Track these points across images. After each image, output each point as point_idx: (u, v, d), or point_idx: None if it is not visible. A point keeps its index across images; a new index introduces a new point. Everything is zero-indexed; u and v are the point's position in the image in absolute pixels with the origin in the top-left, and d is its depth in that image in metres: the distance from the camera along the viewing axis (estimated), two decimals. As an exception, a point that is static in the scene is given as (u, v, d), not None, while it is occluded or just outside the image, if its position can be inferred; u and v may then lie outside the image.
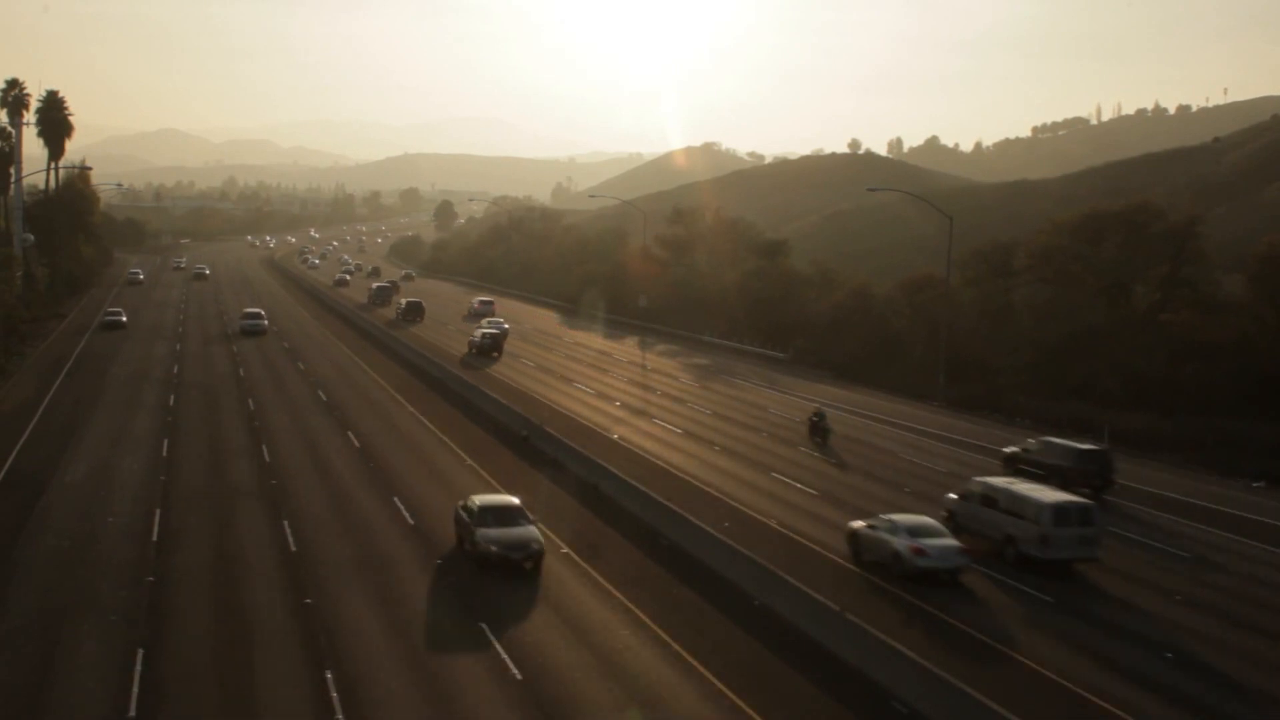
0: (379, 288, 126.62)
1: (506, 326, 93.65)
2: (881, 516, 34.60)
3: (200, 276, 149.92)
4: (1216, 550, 38.39)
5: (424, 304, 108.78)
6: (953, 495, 38.54)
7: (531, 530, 32.86)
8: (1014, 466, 46.49)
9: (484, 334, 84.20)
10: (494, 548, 31.80)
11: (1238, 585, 34.56)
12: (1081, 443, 46.64)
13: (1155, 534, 40.05)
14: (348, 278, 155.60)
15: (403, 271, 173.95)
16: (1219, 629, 30.29)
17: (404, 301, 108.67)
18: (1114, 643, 28.92)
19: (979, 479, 38.02)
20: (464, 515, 33.91)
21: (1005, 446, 50.00)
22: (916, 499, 42.56)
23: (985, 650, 27.76)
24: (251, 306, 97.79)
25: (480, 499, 34.43)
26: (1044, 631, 29.40)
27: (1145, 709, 24.69)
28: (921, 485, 45.41)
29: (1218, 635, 29.78)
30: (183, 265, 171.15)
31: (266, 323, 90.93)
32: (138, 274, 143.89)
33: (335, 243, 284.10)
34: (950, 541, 32.93)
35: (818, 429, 54.54)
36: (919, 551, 32.07)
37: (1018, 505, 34.81)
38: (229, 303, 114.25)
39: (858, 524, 34.96)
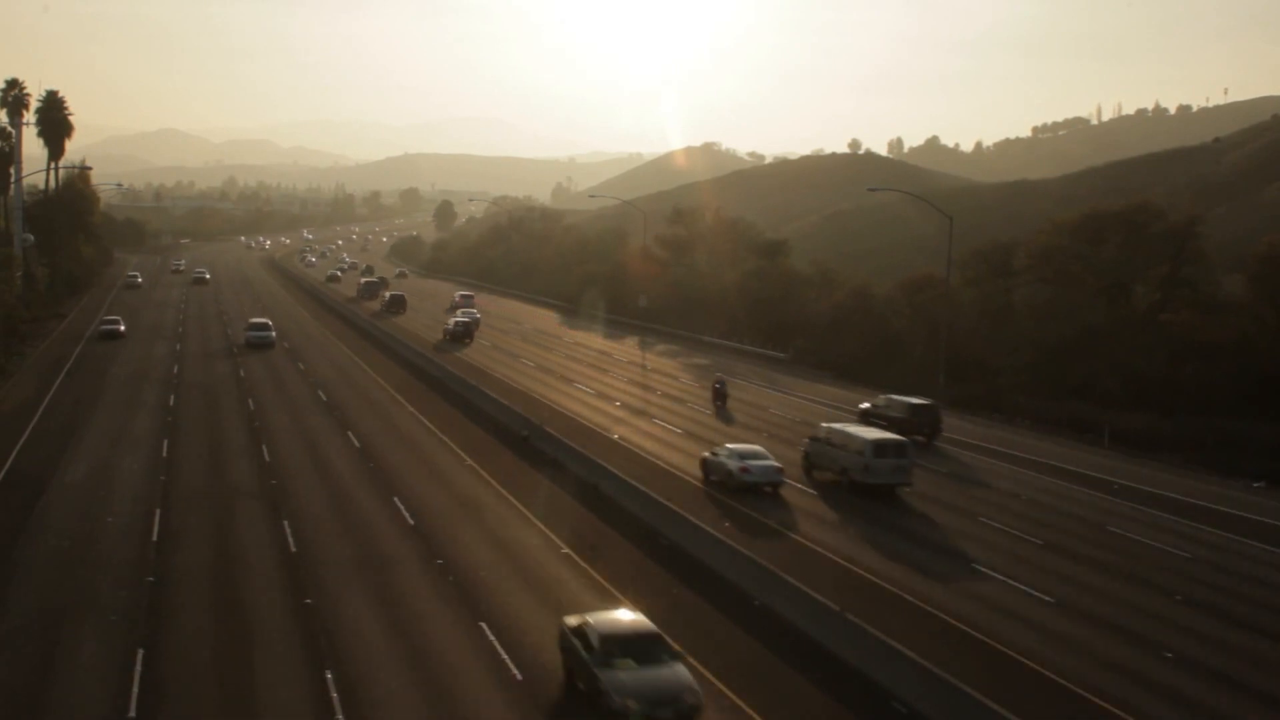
0: (367, 283, 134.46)
1: (478, 316, 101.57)
2: (723, 445, 44.24)
3: (200, 281, 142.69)
4: (1214, 549, 38.40)
5: (406, 297, 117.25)
6: (807, 439, 47.09)
7: (681, 673, 23.34)
8: (866, 418, 54.96)
9: (456, 322, 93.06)
10: (632, 703, 22.23)
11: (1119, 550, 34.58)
12: (915, 399, 56.38)
13: (1152, 531, 40.08)
14: (339, 274, 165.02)
15: (397, 270, 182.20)
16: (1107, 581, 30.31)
17: (388, 295, 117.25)
18: (884, 535, 37.84)
19: (824, 425, 47.03)
20: (574, 642, 24.25)
21: (861, 403, 59.47)
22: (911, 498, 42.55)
23: (774, 533, 37.34)
24: (257, 317, 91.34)
25: (598, 622, 24.33)
26: (823, 525, 38.90)
27: (888, 574, 32.80)
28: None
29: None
30: (182, 268, 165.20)
31: (274, 335, 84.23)
32: (136, 277, 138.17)
33: (340, 241, 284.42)
34: (770, 463, 42.44)
35: (719, 395, 64.49)
36: (745, 470, 41.80)
37: (848, 443, 43.44)
38: (231, 308, 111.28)
39: (706, 453, 44.45)
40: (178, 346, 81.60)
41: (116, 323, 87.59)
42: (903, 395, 57.11)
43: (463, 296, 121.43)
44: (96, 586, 29.79)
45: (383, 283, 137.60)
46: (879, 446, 42.44)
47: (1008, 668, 26.69)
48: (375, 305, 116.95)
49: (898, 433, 46.84)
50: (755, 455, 42.74)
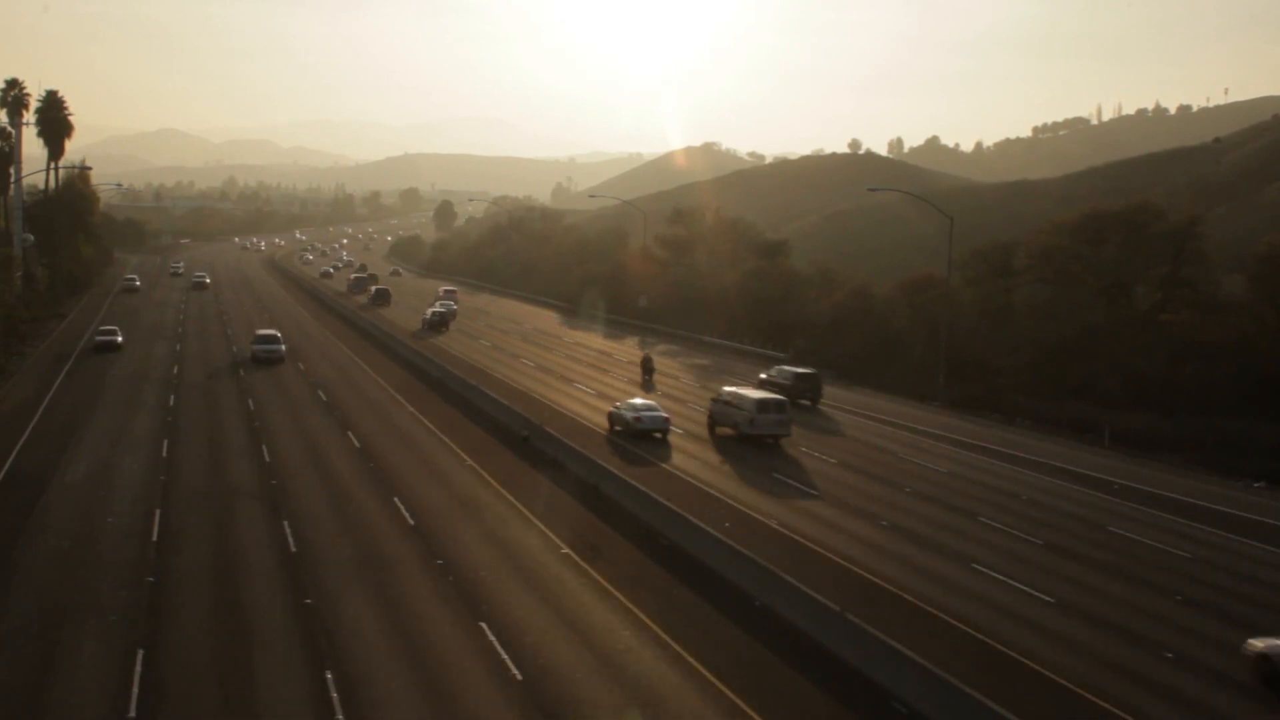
0: (356, 278, 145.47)
1: (454, 307, 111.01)
2: (625, 401, 55.20)
3: (200, 285, 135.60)
4: (1212, 548, 38.40)
5: (390, 291, 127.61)
6: (710, 400, 56.95)
7: None
8: (763, 385, 63.81)
9: (433, 311, 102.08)
10: None
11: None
12: (801, 369, 67.23)
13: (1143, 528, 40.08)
14: (332, 271, 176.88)
15: (391, 269, 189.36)
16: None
17: (374, 289, 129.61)
18: (740, 468, 47.39)
19: (724, 389, 56.42)
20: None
21: (760, 374, 68.45)
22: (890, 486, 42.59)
23: (647, 463, 46.64)
24: (265, 328, 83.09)
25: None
26: (692, 459, 48.47)
27: (745, 499, 41.83)
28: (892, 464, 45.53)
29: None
30: (180, 270, 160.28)
31: (284, 348, 75.67)
32: (134, 280, 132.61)
33: (344, 240, 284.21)
34: (660, 414, 52.56)
35: (646, 368, 73.26)
36: (639, 419, 51.79)
37: (739, 402, 53.01)
38: (232, 313, 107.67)
39: (610, 407, 55.27)
40: (178, 347, 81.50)
41: (113, 333, 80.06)
42: (794, 367, 68.22)
43: (446, 291, 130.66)
44: (96, 586, 29.78)
45: (372, 278, 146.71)
46: (762, 405, 52.00)
47: (655, 470, 26.78)
48: (363, 299, 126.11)
49: (786, 396, 56.76)
50: (648, 408, 53.10)
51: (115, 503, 38.22)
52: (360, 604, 29.07)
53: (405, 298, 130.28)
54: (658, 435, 52.02)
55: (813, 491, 43.94)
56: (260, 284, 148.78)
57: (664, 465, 46.67)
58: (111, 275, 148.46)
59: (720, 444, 52.30)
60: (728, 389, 55.87)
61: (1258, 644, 27.22)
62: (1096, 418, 60.98)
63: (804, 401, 63.24)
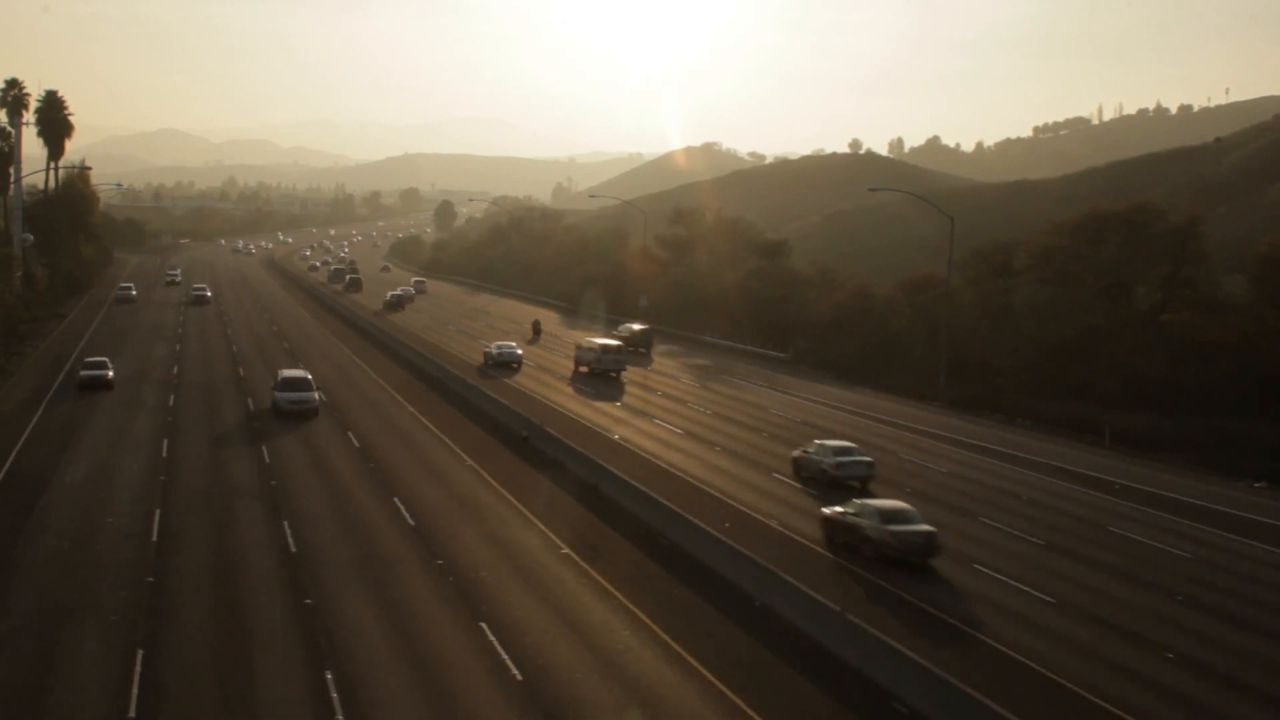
0: (335, 270, 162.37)
1: (413, 291, 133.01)
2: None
3: (200, 300, 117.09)
4: (1214, 549, 38.38)
5: (363, 280, 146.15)
6: (580, 349, 75.69)
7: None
8: (617, 336, 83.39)
9: (391, 294, 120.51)
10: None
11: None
12: (638, 325, 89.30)
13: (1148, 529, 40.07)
14: (319, 265, 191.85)
15: (381, 265, 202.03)
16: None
17: (348, 278, 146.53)
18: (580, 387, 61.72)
19: (584, 339, 77.67)
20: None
21: (616, 328, 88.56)
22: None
23: (499, 380, 64.09)
24: (291, 369, 62.09)
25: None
26: (547, 383, 63.45)
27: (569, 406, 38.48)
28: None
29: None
30: (176, 278, 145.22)
31: (317, 396, 56.47)
32: (129, 290, 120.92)
33: (348, 241, 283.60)
34: (515, 351, 77.74)
35: (536, 330, 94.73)
36: (500, 352, 76.50)
37: (592, 348, 74.12)
38: (241, 336, 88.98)
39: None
40: (177, 347, 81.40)
41: (102, 369, 62.52)
42: (635, 325, 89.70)
43: (416, 282, 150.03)
44: (96, 586, 29.77)
45: (350, 269, 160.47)
46: (604, 349, 73.60)
47: (1008, 667, 26.67)
48: (340, 286, 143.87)
49: (626, 345, 79.91)
50: (507, 347, 77.36)
51: (115, 503, 38.22)
52: (360, 604, 29.06)
53: (386, 289, 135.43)
54: (514, 366, 75.48)
55: (812, 492, 43.91)
56: (259, 283, 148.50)
57: (508, 381, 69.31)
58: (111, 275, 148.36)
59: (579, 377, 72.75)
60: (586, 340, 77.51)
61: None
62: (1097, 418, 60.94)
63: (641, 350, 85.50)
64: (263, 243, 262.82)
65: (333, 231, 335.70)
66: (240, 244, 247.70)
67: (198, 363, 73.62)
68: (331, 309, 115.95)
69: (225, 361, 74.48)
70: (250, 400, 59.23)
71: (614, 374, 72.28)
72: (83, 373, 62.14)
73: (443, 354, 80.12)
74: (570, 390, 67.82)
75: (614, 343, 75.96)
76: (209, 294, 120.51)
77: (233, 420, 54.12)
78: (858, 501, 36.18)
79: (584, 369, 73.53)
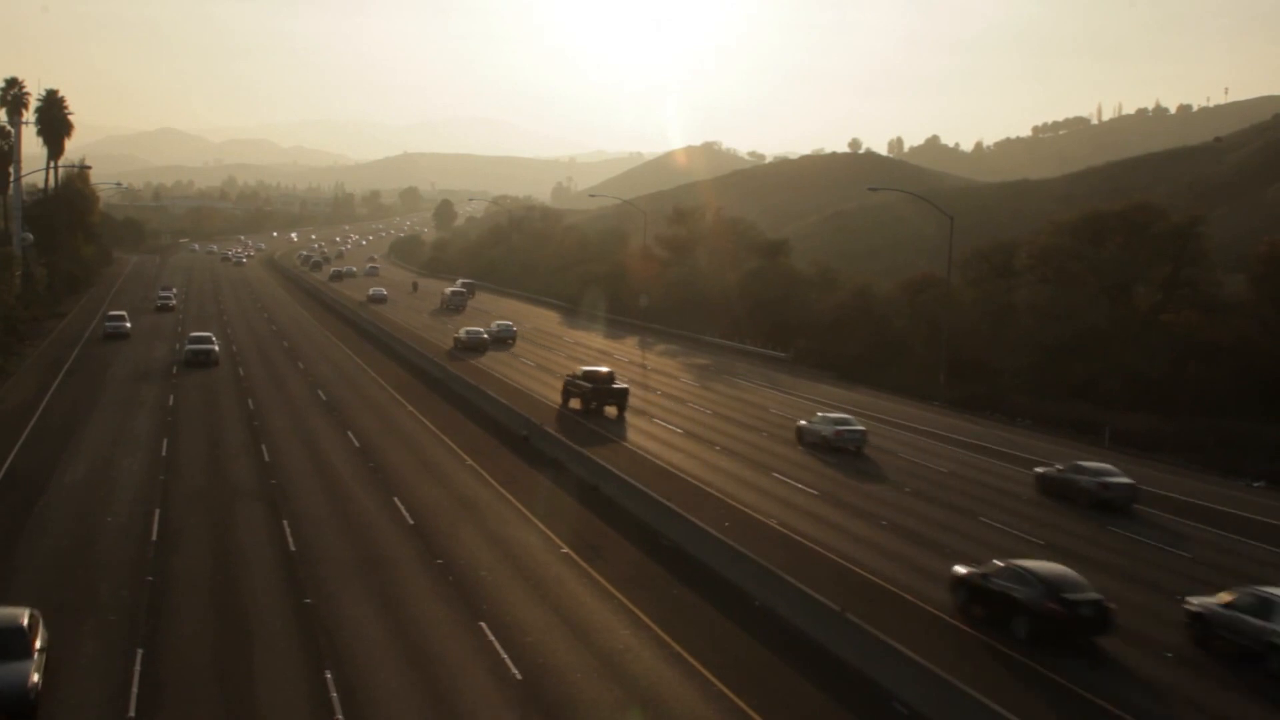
0: (313, 261, 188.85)
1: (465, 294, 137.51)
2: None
3: (201, 357, 71.59)
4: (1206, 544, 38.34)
5: (343, 272, 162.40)
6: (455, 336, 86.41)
7: None
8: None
9: (374, 290, 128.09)
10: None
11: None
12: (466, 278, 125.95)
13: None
14: (312, 259, 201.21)
15: (368, 262, 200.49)
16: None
17: (332, 270, 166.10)
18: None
19: (462, 328, 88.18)
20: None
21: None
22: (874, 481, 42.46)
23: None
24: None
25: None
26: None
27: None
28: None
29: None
30: (170, 302, 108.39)
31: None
32: (122, 323, 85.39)
33: (349, 241, 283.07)
34: (382, 291, 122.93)
35: (415, 287, 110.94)
36: (370, 296, 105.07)
37: (475, 331, 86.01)
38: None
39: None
40: (176, 346, 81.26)
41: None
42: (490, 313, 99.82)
43: (465, 283, 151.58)
44: (96, 586, 29.73)
45: (325, 260, 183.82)
46: (469, 333, 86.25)
47: (1009, 668, 26.62)
48: (322, 276, 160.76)
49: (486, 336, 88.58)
50: (377, 291, 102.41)
51: (115, 502, 38.16)
52: (360, 603, 29.02)
53: (421, 301, 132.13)
54: (481, 350, 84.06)
55: (812, 492, 43.89)
56: (267, 291, 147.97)
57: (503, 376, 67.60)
58: (110, 274, 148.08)
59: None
60: (464, 329, 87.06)
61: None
62: (1097, 418, 60.95)
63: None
64: (251, 250, 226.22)
65: (349, 230, 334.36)
66: (233, 251, 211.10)
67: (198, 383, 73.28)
68: (315, 296, 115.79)
69: (224, 360, 73.77)
70: (250, 400, 59.16)
71: (477, 354, 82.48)
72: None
73: (441, 353, 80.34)
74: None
75: (503, 324, 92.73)
76: (215, 348, 73.89)
77: (232, 419, 53.97)
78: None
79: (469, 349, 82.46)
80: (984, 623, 29.12)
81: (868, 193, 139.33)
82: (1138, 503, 43.29)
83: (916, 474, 48.12)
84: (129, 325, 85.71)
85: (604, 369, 60.95)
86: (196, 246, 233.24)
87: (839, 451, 50.93)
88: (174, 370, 69.35)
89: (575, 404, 59.06)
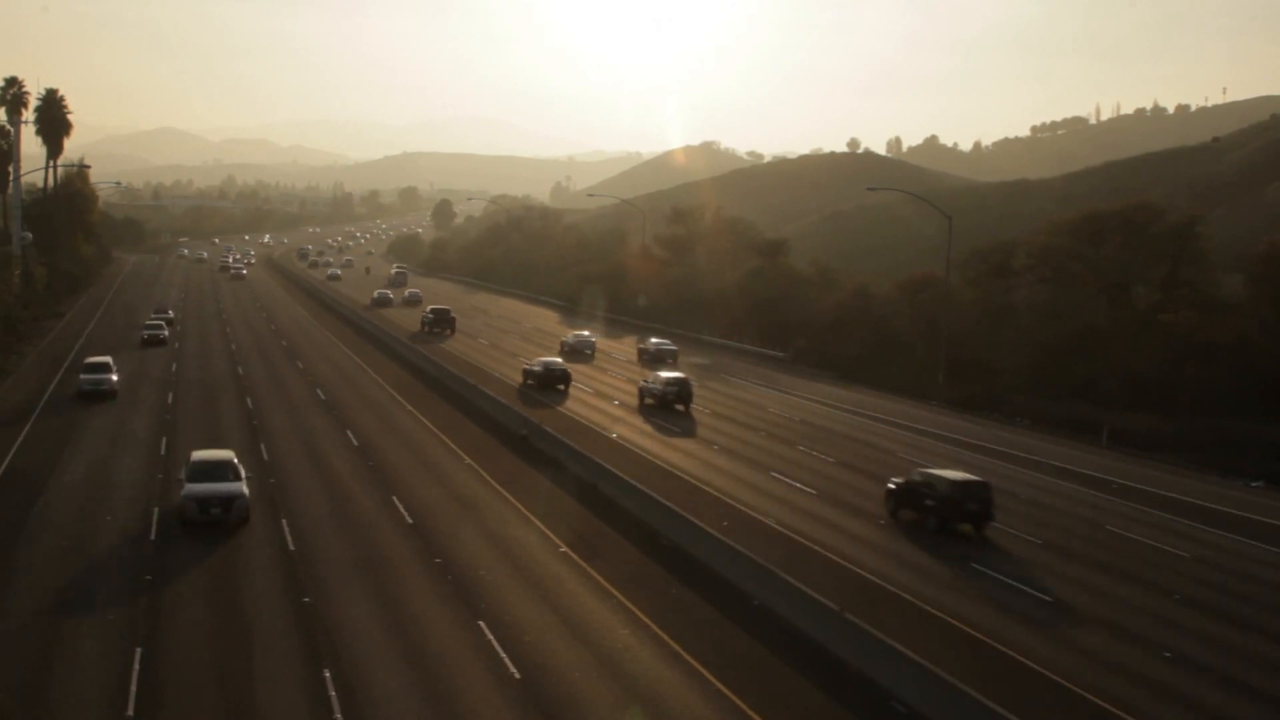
0: (301, 252, 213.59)
1: (339, 273, 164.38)
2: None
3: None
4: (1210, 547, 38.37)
5: (340, 274, 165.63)
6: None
7: None
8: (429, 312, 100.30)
9: (379, 292, 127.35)
10: None
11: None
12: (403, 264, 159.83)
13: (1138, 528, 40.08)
14: (311, 255, 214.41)
15: (344, 259, 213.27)
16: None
17: (329, 270, 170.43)
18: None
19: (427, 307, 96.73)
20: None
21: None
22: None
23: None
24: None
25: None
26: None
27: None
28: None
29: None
30: (162, 334, 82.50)
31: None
32: (107, 377, 59.14)
33: (352, 241, 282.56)
34: (336, 272, 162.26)
35: (368, 272, 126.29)
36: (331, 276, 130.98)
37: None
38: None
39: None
40: (176, 345, 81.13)
41: None
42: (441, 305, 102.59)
43: (339, 259, 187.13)
44: (95, 586, 29.75)
45: (309, 252, 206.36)
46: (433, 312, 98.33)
47: (1008, 667, 26.64)
48: (305, 265, 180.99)
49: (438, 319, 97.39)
50: (329, 262, 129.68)
51: (114, 502, 38.17)
52: (359, 602, 29.04)
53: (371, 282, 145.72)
54: (335, 277, 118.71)
55: (810, 491, 43.94)
56: (276, 301, 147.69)
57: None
58: (110, 273, 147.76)
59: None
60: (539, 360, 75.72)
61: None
62: (1096, 417, 60.95)
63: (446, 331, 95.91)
64: (237, 255, 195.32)
65: (357, 230, 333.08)
66: (231, 259, 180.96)
67: (196, 361, 73.23)
68: (311, 292, 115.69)
69: (224, 360, 73.87)
70: (249, 399, 59.17)
71: (440, 333, 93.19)
72: None
73: (444, 355, 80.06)
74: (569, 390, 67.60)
75: (437, 307, 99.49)
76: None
77: (231, 418, 53.97)
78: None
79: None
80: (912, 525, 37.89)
81: (867, 192, 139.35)
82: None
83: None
84: (115, 379, 59.59)
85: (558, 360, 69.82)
86: (186, 251, 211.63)
87: (668, 407, 59.71)
88: (173, 369, 69.37)
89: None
